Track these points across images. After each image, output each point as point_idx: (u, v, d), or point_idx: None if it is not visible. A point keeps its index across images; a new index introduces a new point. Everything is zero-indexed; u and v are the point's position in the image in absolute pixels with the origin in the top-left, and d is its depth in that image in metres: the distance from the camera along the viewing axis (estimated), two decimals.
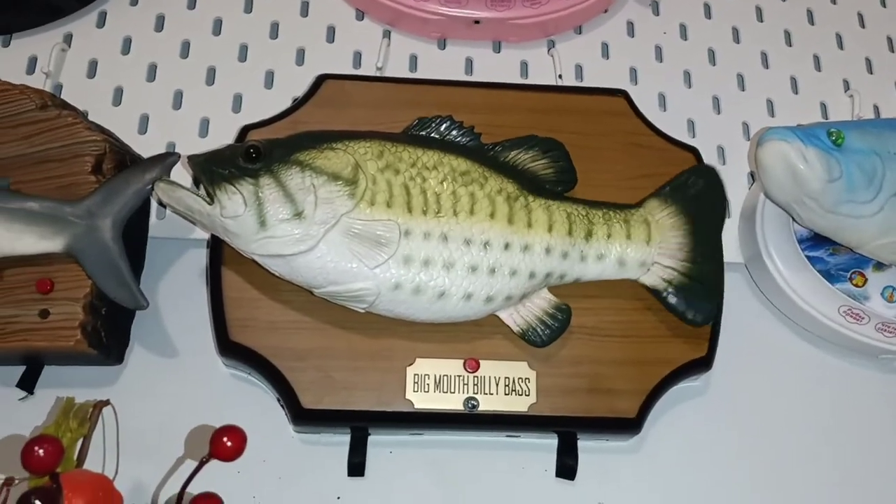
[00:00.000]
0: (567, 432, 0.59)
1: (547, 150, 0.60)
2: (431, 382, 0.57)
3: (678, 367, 0.59)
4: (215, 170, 0.55)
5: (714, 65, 0.74)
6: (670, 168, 0.63)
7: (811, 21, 0.78)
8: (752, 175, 0.70)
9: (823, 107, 0.74)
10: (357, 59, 0.71)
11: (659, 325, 0.60)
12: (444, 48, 0.73)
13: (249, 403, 0.60)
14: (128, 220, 0.56)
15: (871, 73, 0.76)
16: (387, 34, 0.72)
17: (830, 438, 0.64)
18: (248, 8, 0.72)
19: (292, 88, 0.68)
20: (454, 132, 0.60)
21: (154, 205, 0.64)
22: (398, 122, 0.61)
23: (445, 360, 0.58)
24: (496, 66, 0.72)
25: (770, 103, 0.73)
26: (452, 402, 0.57)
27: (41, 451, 0.45)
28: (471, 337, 0.59)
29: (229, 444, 0.49)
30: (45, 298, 0.55)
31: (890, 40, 0.78)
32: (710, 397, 0.64)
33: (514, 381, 0.58)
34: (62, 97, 0.64)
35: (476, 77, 0.71)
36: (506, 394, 0.58)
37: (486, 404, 0.57)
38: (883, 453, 0.64)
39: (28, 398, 0.59)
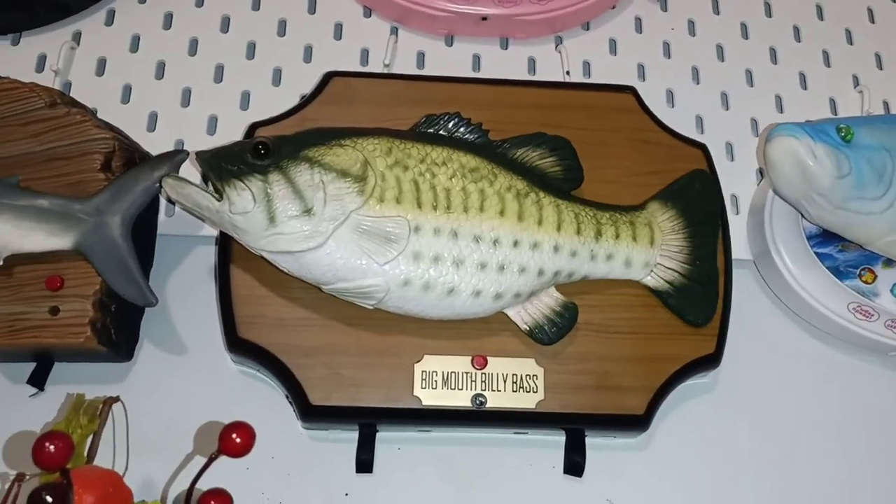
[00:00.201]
0: (575, 429, 0.59)
1: (554, 147, 0.60)
2: (439, 379, 0.57)
3: (686, 363, 0.59)
4: (224, 166, 0.55)
5: (722, 61, 0.74)
6: (678, 164, 0.63)
7: (820, 16, 0.77)
8: (760, 171, 0.70)
9: (832, 103, 0.73)
10: (364, 56, 0.71)
11: (667, 322, 0.60)
12: (451, 45, 0.73)
13: (258, 400, 0.60)
14: (137, 217, 0.56)
15: (881, 69, 0.75)
16: (394, 31, 0.72)
17: (839, 435, 0.64)
18: (256, 5, 0.72)
19: (300, 86, 0.68)
20: (462, 129, 0.60)
21: (163, 202, 0.64)
22: (406, 119, 0.61)
23: (453, 357, 0.58)
24: (504, 63, 0.72)
25: (779, 99, 0.73)
26: (460, 399, 0.57)
27: (52, 448, 0.45)
28: (479, 334, 0.59)
29: (238, 440, 0.50)
30: (55, 295, 0.55)
31: None
32: (719, 394, 0.63)
33: (521, 377, 0.58)
34: (71, 95, 0.64)
35: (483, 74, 0.71)
36: (514, 391, 0.58)
37: (494, 401, 0.57)
38: (892, 450, 0.63)
39: (38, 395, 0.59)
